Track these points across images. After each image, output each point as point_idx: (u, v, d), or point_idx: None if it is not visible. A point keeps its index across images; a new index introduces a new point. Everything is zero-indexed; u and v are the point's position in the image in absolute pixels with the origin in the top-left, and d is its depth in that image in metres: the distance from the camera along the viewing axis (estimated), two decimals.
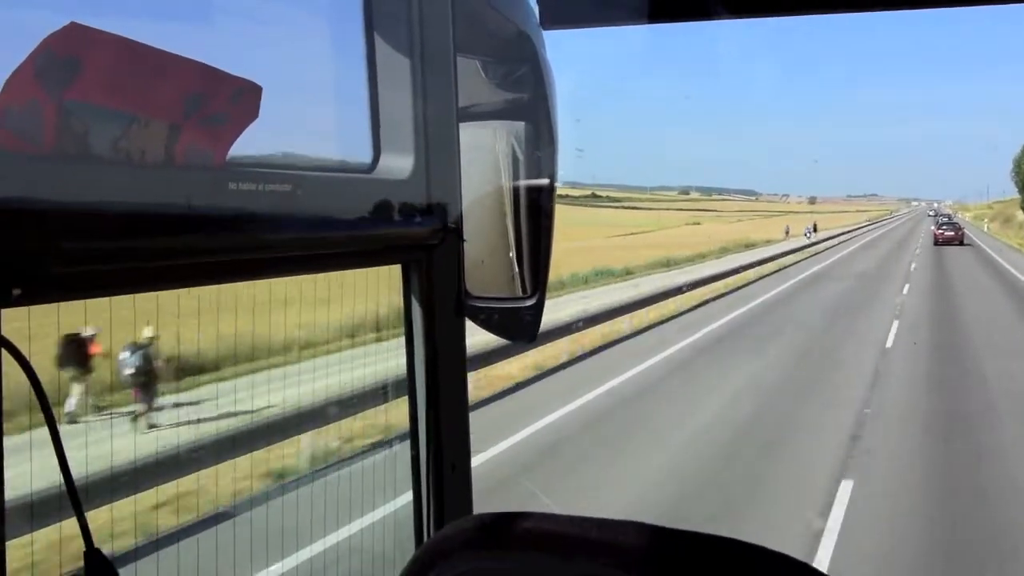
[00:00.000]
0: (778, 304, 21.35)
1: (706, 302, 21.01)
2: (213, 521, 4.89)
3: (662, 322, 17.66)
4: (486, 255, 1.11)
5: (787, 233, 63.34)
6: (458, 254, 1.06)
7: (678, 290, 20.09)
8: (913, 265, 34.26)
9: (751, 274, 27.79)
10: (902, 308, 19.65)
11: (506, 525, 0.71)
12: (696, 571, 0.60)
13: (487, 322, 1.14)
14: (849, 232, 73.80)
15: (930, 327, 17.26)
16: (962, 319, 18.65)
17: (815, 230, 61.36)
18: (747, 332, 16.85)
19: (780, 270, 31.69)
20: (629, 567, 0.61)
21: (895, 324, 16.91)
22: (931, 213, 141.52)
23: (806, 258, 39.24)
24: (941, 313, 19.63)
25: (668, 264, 36.14)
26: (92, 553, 0.65)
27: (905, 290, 24.29)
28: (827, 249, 47.96)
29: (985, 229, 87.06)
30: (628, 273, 30.92)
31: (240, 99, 0.78)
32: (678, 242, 50.70)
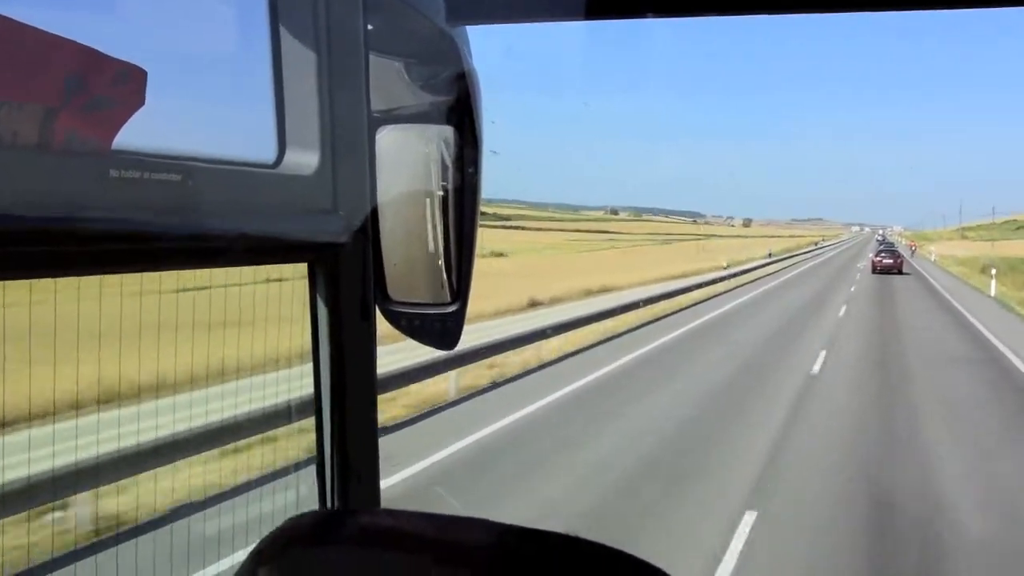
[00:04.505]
0: None
1: None
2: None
3: None
4: (406, 259, 1.10)
5: None
6: (367, 254, 1.04)
7: None
8: None
9: None
10: None
11: (345, 521, 0.70)
12: (536, 568, 0.60)
13: (408, 328, 1.13)
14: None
15: None
16: None
17: None
18: None
19: None
20: (466, 563, 0.60)
21: None
22: (879, 238, 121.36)
23: None
24: None
25: None
26: None
27: None
28: None
29: None
30: None
31: (123, 83, 0.74)
32: None
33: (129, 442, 5.23)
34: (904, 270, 47.27)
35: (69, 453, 4.53)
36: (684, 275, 39.50)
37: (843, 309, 25.22)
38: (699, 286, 30.02)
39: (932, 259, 68.33)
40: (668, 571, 0.59)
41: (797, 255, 77.50)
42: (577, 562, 0.60)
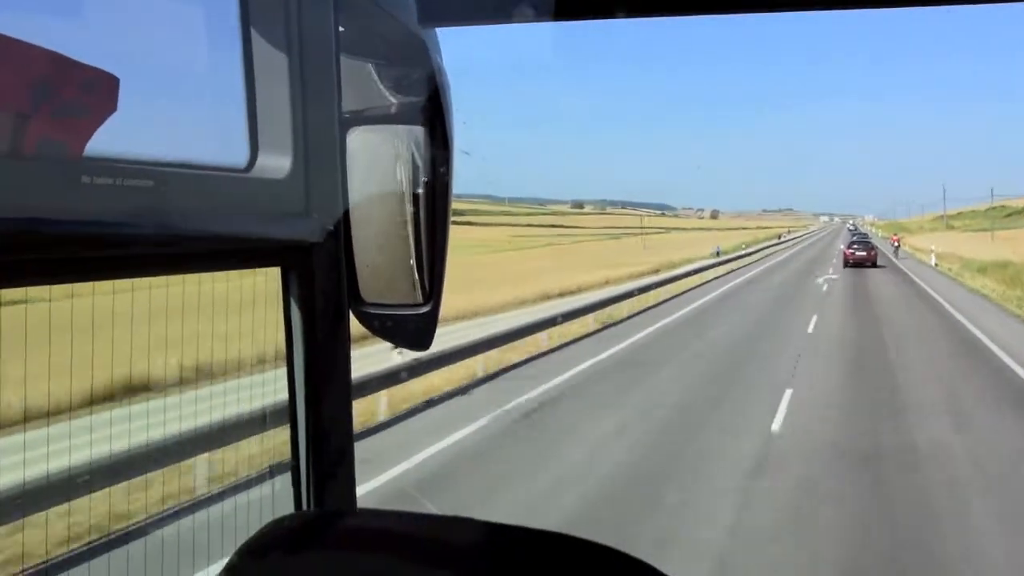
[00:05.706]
0: None
1: None
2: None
3: None
4: (378, 261, 1.09)
5: None
6: (339, 256, 1.04)
7: None
8: None
9: None
10: None
11: (328, 523, 0.69)
12: (524, 567, 0.58)
13: (380, 329, 1.12)
14: None
15: None
16: None
17: None
18: None
19: None
20: (453, 563, 0.59)
21: None
22: (850, 228, 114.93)
23: None
24: None
25: None
26: None
27: None
28: None
29: None
30: None
31: (94, 89, 0.74)
32: None
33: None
34: (900, 286, 33.19)
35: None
36: (580, 289, 27.75)
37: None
38: (564, 317, 17.63)
39: (932, 263, 46.48)
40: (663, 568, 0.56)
41: (751, 251, 61.19)
42: (566, 560, 0.58)
